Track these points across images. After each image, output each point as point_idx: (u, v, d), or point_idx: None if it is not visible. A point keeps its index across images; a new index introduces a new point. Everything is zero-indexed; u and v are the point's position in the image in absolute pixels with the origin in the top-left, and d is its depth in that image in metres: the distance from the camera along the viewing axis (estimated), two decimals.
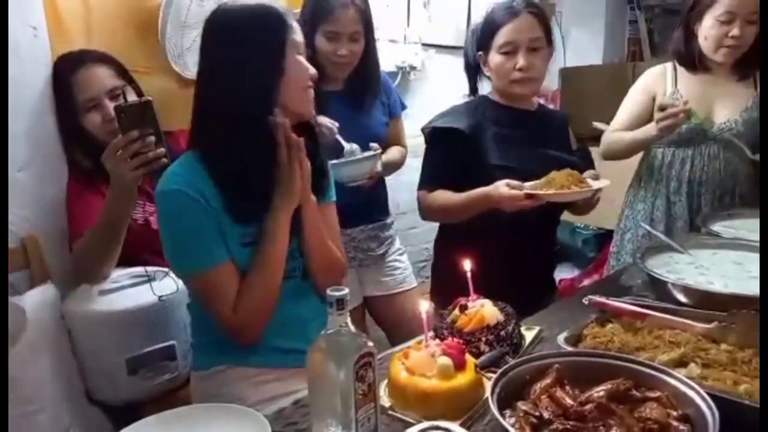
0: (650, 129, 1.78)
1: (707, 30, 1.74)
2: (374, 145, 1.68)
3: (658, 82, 1.88)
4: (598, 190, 1.44)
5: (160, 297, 1.35)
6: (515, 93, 1.56)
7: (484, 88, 1.68)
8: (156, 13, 1.73)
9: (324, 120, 1.60)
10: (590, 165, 1.59)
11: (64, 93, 1.42)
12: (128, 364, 1.30)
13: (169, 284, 1.39)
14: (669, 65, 1.89)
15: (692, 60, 1.82)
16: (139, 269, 1.41)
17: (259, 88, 1.09)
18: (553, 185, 1.38)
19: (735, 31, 1.69)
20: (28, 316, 1.22)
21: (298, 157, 1.11)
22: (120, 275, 1.40)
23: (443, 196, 1.52)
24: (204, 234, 1.08)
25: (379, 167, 1.71)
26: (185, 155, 1.13)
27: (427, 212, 1.61)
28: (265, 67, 1.08)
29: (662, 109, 1.72)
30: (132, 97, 1.50)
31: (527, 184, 1.42)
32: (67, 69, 1.43)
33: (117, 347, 1.30)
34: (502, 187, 1.39)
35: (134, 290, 1.37)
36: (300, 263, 1.21)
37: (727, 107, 1.80)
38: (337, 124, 1.62)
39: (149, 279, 1.40)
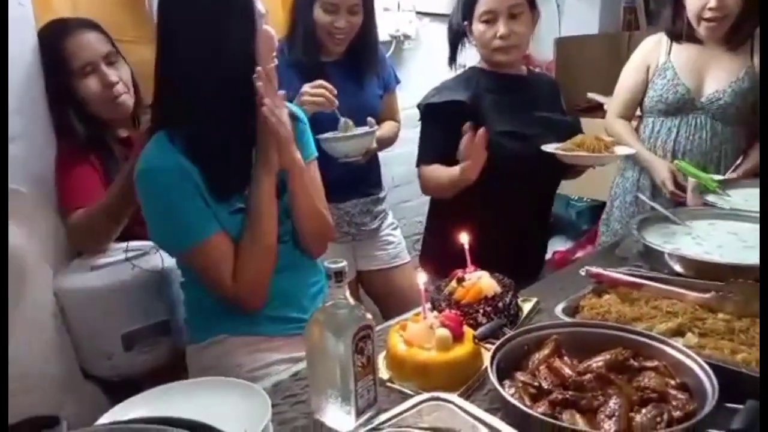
0: (653, 168, 1.83)
1: (689, 3, 1.74)
2: (371, 120, 1.66)
3: (653, 52, 1.89)
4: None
5: (132, 266, 1.31)
6: (498, 60, 1.55)
7: (465, 57, 1.68)
8: None
9: (326, 86, 1.57)
10: (580, 130, 1.60)
11: (55, 59, 1.36)
12: (124, 339, 1.29)
13: (158, 259, 1.37)
14: (664, 35, 1.88)
15: (680, 33, 1.81)
16: (133, 243, 1.39)
17: (240, 47, 1.06)
18: (584, 148, 1.45)
19: (711, 2, 1.68)
20: None
21: (272, 120, 1.07)
22: (112, 250, 1.38)
23: (435, 174, 1.52)
24: (190, 208, 1.07)
25: (374, 144, 1.70)
26: (155, 137, 1.08)
27: (425, 188, 1.61)
28: (243, 29, 1.06)
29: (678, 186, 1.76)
30: (124, 66, 1.47)
31: (553, 146, 1.47)
32: (55, 34, 1.38)
33: (112, 323, 1.28)
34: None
35: (127, 265, 1.34)
36: (288, 228, 1.20)
37: (718, 78, 1.79)
38: (336, 100, 1.59)
39: (142, 253, 1.38)
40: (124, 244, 1.39)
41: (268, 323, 1.19)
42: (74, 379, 1.32)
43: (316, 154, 1.30)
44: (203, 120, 1.06)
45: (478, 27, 1.53)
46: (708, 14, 1.70)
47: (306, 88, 1.56)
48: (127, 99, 1.46)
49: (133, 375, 1.31)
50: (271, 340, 1.19)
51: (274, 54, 1.14)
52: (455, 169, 1.42)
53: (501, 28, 1.49)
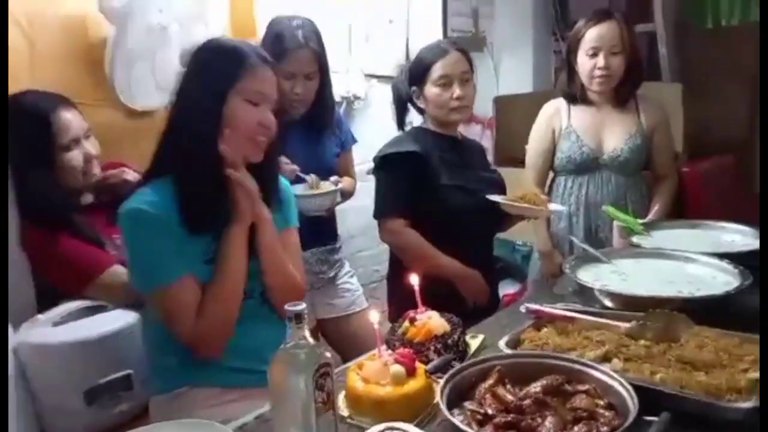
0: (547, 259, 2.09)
1: (581, 65, 1.99)
2: (335, 178, 1.81)
3: (555, 117, 2.09)
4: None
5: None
6: (453, 120, 1.72)
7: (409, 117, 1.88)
8: (101, 45, 1.76)
9: (284, 163, 1.70)
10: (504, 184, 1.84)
11: (40, 131, 1.44)
12: (86, 396, 1.30)
13: (121, 314, 1.41)
14: (562, 101, 2.09)
15: (575, 95, 2.04)
16: (90, 302, 1.42)
17: (200, 127, 1.17)
18: (525, 201, 1.63)
19: (601, 62, 1.93)
20: None
21: (241, 182, 1.18)
22: (72, 306, 1.40)
23: (419, 241, 1.66)
24: (163, 250, 1.14)
25: (338, 199, 1.85)
26: (160, 181, 1.18)
27: (397, 247, 1.73)
28: (205, 112, 1.17)
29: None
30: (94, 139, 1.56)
31: (498, 197, 1.65)
32: (45, 108, 1.46)
33: (73, 379, 1.29)
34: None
35: (88, 320, 1.37)
36: (258, 284, 1.26)
37: (614, 136, 2.02)
38: (297, 169, 1.74)
39: (102, 309, 1.41)
40: (81, 302, 1.42)
41: (233, 375, 1.23)
42: None
43: (297, 224, 1.40)
44: (194, 168, 1.18)
45: (432, 90, 1.70)
46: (597, 72, 1.95)
47: None
48: (98, 169, 1.56)
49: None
50: (235, 392, 1.22)
51: (256, 132, 1.21)
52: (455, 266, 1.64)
53: (457, 90, 1.67)
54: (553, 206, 1.75)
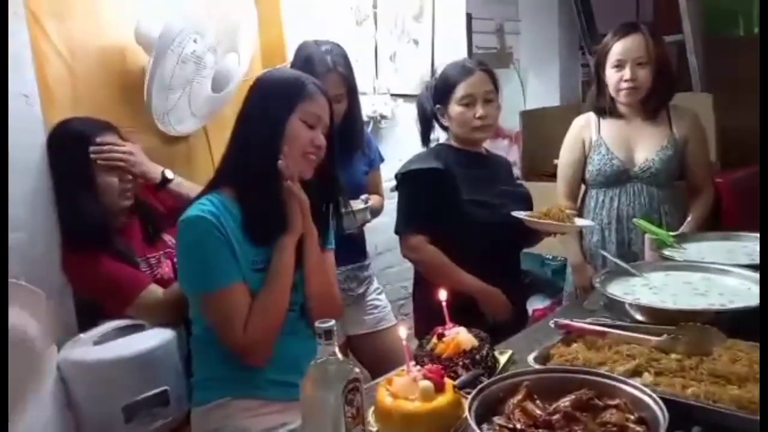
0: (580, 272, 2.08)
1: (608, 77, 1.98)
2: (365, 196, 1.84)
3: (585, 130, 2.08)
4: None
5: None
6: (475, 138, 1.74)
7: (437, 137, 1.90)
8: (138, 74, 1.83)
9: None
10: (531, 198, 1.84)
11: (84, 152, 1.52)
12: (124, 411, 1.34)
13: (158, 332, 1.46)
14: (593, 115, 2.09)
15: (605, 108, 2.03)
16: (129, 321, 1.48)
17: (263, 142, 1.27)
18: (550, 217, 1.63)
19: (627, 74, 1.92)
20: None
21: (296, 196, 1.28)
22: (111, 325, 1.46)
23: (439, 257, 1.67)
24: (219, 255, 1.22)
25: (369, 217, 1.88)
26: (218, 192, 1.28)
27: (417, 263, 1.75)
28: (270, 129, 1.28)
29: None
30: None
31: (523, 213, 1.65)
32: (91, 132, 1.55)
33: (113, 395, 1.34)
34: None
35: (127, 339, 1.42)
36: (300, 296, 1.32)
37: (645, 148, 1.99)
38: None
39: (140, 328, 1.46)
40: (118, 322, 1.47)
41: (272, 387, 1.28)
42: None
43: (333, 246, 1.47)
44: (256, 180, 1.28)
45: (456, 109, 1.72)
46: (624, 85, 1.94)
47: None
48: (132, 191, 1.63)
49: None
50: (275, 404, 1.27)
51: (309, 151, 1.31)
52: (475, 283, 1.64)
53: (479, 110, 1.69)
54: (580, 221, 1.75)
